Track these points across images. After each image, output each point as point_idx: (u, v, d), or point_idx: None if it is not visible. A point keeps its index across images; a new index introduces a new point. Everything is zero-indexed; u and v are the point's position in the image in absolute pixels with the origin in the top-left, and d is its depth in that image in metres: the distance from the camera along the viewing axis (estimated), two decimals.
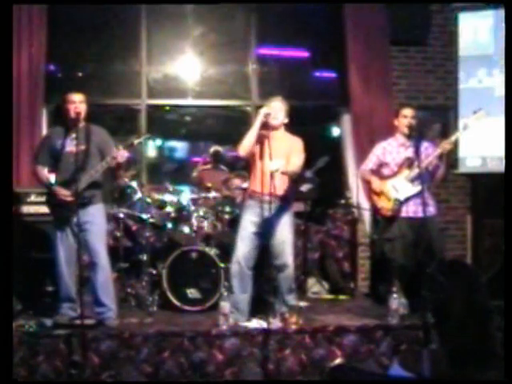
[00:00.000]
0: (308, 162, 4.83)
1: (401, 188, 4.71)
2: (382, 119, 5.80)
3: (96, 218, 4.33)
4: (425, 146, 4.81)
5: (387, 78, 6.04)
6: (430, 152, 4.73)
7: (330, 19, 6.28)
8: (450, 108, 6.09)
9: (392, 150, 4.83)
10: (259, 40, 6.25)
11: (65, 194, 4.26)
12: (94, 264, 4.30)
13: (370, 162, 4.92)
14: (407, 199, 4.69)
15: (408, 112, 4.75)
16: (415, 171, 4.59)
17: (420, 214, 4.53)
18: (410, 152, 4.71)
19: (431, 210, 4.66)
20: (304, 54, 6.57)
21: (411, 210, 4.69)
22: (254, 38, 6.25)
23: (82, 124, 4.37)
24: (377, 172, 4.90)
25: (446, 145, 4.62)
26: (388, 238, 4.83)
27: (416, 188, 4.62)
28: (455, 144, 4.90)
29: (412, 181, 4.67)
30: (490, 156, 5.80)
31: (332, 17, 6.21)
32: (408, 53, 6.20)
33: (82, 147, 4.30)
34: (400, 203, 4.70)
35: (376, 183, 4.82)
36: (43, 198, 4.58)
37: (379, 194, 4.79)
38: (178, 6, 6.11)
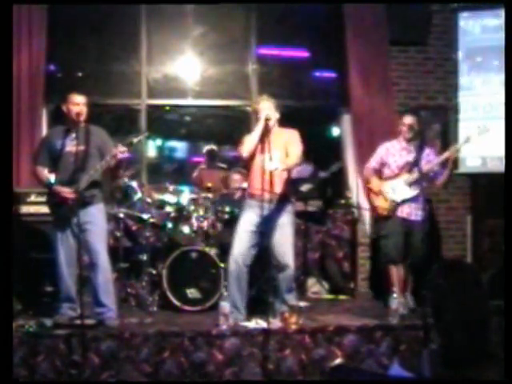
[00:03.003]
0: (306, 158, 4.88)
1: (399, 190, 4.82)
2: (382, 119, 5.81)
3: (96, 218, 4.33)
4: (426, 152, 4.91)
5: (387, 77, 6.03)
6: (431, 158, 4.85)
7: (330, 19, 6.28)
8: (450, 108, 6.09)
9: (395, 152, 4.93)
10: (259, 40, 6.25)
11: (65, 191, 4.25)
12: (94, 264, 4.30)
13: (374, 161, 5.02)
14: (403, 201, 4.80)
15: (407, 120, 4.87)
16: (414, 176, 4.76)
17: (413, 218, 4.78)
18: (411, 157, 4.84)
19: (421, 214, 4.79)
20: (304, 53, 6.56)
21: (405, 212, 4.82)
22: (254, 38, 6.24)
23: (81, 124, 4.37)
24: (378, 171, 5.00)
25: (454, 150, 4.76)
26: (381, 235, 4.95)
27: (413, 192, 4.78)
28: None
29: (410, 185, 4.80)
30: (489, 156, 5.79)
31: (332, 17, 6.21)
32: (408, 53, 6.19)
33: (82, 147, 4.30)
34: (396, 204, 4.81)
35: (375, 183, 4.95)
36: (43, 198, 4.58)
37: (377, 193, 4.91)
38: (178, 5, 6.10)
